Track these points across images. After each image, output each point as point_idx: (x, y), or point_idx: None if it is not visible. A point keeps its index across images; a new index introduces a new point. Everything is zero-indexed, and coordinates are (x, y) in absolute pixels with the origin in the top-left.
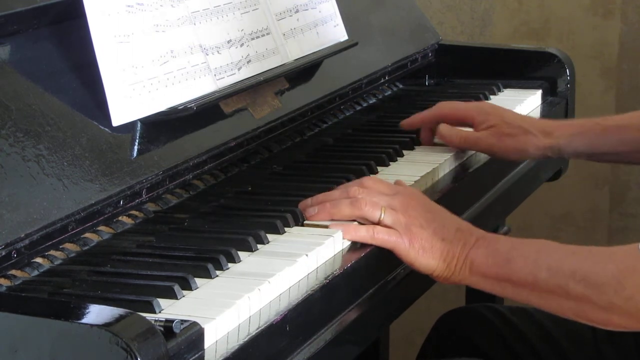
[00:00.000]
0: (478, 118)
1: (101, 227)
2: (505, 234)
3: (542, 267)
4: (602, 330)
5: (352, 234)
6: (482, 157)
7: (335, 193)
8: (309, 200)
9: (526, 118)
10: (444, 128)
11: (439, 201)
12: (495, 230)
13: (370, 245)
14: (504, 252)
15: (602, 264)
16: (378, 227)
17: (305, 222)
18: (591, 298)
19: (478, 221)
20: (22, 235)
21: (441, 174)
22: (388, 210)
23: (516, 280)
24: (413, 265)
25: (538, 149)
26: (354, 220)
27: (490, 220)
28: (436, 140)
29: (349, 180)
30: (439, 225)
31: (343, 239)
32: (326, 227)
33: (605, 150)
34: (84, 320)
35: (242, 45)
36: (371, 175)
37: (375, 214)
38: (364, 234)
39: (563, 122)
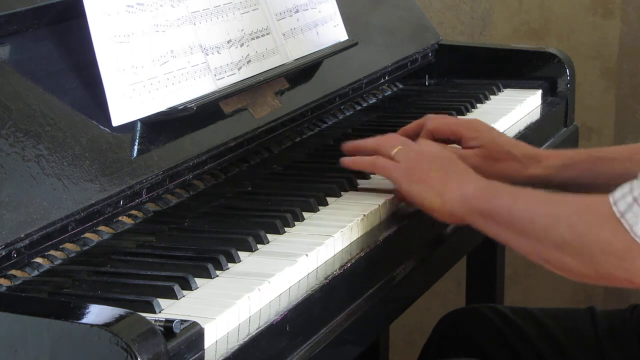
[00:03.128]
0: (467, 134)
1: (101, 227)
2: None
3: (519, 206)
4: (603, 330)
5: (357, 163)
6: None
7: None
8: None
9: (516, 144)
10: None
11: None
12: None
13: (371, 244)
14: (495, 190)
15: (564, 202)
16: (380, 157)
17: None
18: (550, 234)
19: None
20: (22, 235)
21: None
22: (403, 150)
23: (495, 215)
24: (404, 192)
25: (523, 177)
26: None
27: None
28: None
29: (349, 180)
30: (443, 164)
31: (345, 166)
32: None
33: (596, 181)
34: (84, 320)
35: (242, 45)
36: None
37: (389, 150)
38: (367, 160)
39: (554, 152)
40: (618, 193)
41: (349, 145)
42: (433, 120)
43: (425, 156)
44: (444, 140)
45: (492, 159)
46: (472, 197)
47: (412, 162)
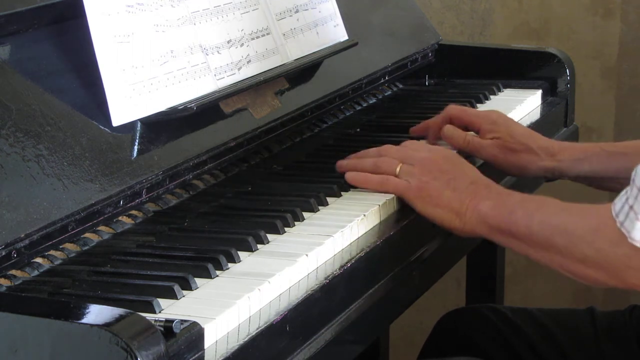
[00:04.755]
0: (485, 126)
1: (101, 227)
2: None
3: (535, 221)
4: (603, 330)
5: (362, 181)
6: None
7: (371, 150)
8: (345, 159)
9: (532, 136)
10: (448, 129)
11: None
12: None
13: (371, 244)
14: (509, 205)
15: (581, 218)
16: (391, 177)
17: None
18: (570, 250)
19: None
20: (22, 235)
21: None
22: (406, 165)
23: (515, 232)
24: (421, 213)
25: (539, 169)
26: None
27: None
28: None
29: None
30: (453, 177)
31: (350, 182)
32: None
33: (608, 175)
34: (84, 320)
35: (242, 45)
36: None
37: (391, 168)
38: (375, 180)
39: (568, 145)
40: (618, 205)
41: (345, 165)
42: (454, 108)
43: (431, 170)
44: (462, 127)
45: (509, 150)
46: (489, 216)
47: (422, 182)
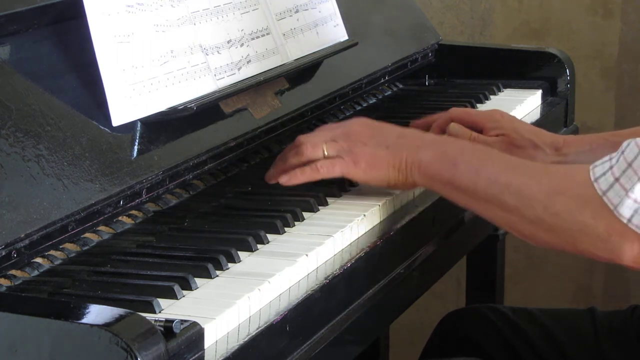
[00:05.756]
0: (488, 125)
1: (101, 227)
2: (504, 234)
3: (482, 176)
4: (604, 330)
5: (299, 177)
6: None
7: (287, 148)
8: (270, 170)
9: (536, 131)
10: (454, 126)
11: None
12: (495, 229)
13: (371, 244)
14: (451, 156)
15: (536, 180)
16: (321, 161)
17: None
18: (522, 211)
19: (478, 219)
20: (22, 235)
21: None
22: (329, 143)
23: (458, 184)
24: (367, 183)
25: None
26: None
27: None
28: None
29: (349, 180)
30: (381, 137)
31: (286, 183)
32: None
33: None
34: (84, 320)
35: (242, 45)
36: None
37: (317, 153)
38: (308, 172)
39: (572, 138)
40: (598, 169)
41: (272, 174)
42: (456, 111)
43: (356, 139)
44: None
45: (515, 147)
46: (430, 167)
47: (353, 153)
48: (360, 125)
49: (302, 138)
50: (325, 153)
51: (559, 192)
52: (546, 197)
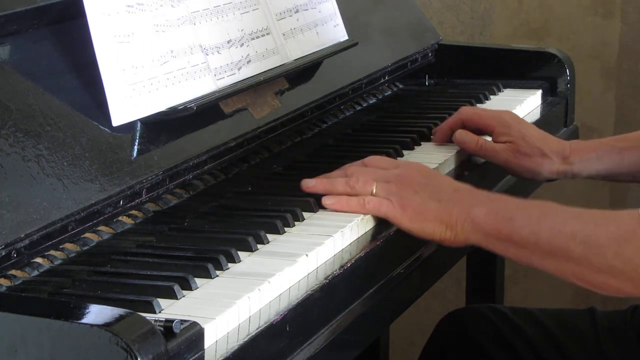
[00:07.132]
0: (498, 129)
1: (101, 227)
2: None
3: (544, 228)
4: (604, 330)
5: (344, 205)
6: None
7: (336, 172)
8: (312, 180)
9: (545, 138)
10: (460, 134)
11: None
12: None
13: (371, 244)
14: (507, 211)
15: (604, 227)
16: (369, 197)
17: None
18: (591, 260)
19: None
20: (22, 235)
21: (443, 173)
22: (381, 183)
23: (518, 239)
24: (410, 232)
25: (552, 173)
26: None
27: None
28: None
29: None
30: (434, 188)
31: (331, 208)
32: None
33: (622, 171)
34: (84, 320)
35: (242, 45)
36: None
37: (367, 189)
38: (354, 205)
39: (578, 145)
40: None
41: (314, 186)
42: (467, 110)
43: (409, 184)
44: (475, 130)
45: (522, 155)
46: (485, 224)
47: (404, 198)
48: (416, 171)
49: (354, 169)
50: (374, 191)
51: (628, 237)
52: (616, 243)
